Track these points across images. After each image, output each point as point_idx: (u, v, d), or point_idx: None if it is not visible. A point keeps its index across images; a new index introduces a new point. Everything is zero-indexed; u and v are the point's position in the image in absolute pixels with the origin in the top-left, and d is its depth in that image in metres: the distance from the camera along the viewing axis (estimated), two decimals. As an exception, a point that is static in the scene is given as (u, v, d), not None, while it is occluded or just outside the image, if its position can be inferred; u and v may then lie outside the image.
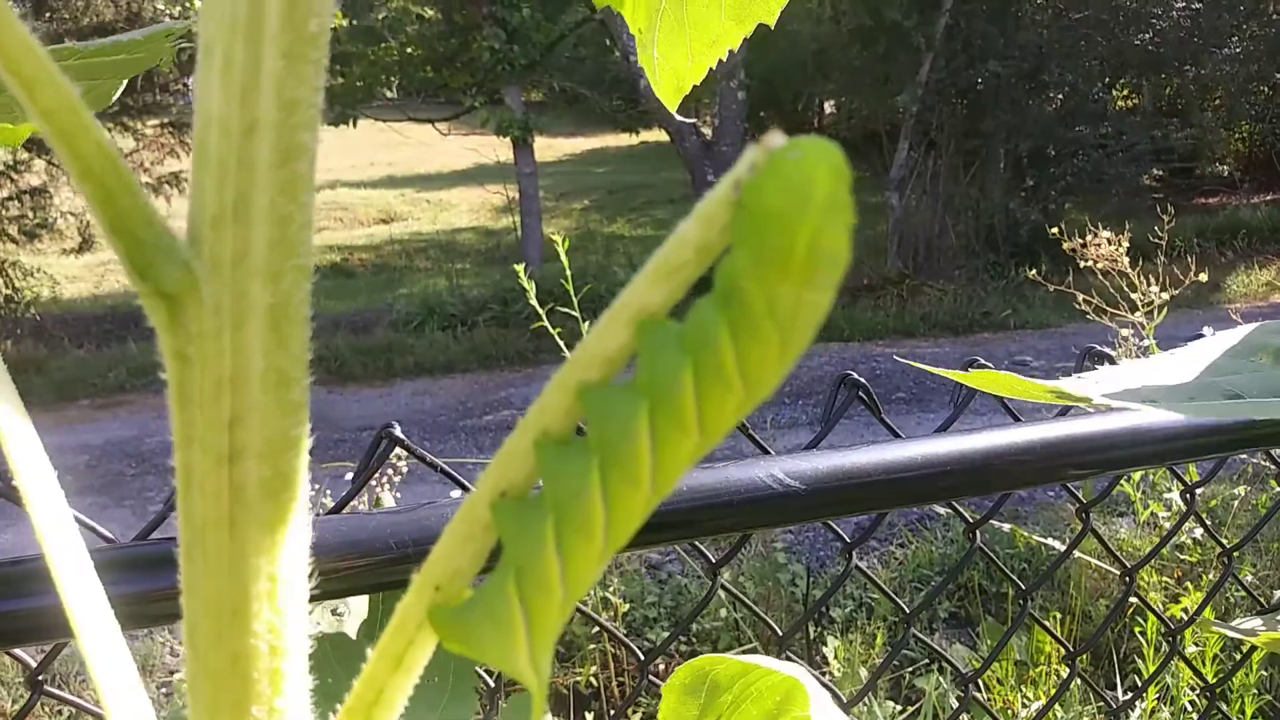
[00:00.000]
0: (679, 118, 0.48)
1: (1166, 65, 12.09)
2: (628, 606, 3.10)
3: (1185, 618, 2.57)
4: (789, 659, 0.86)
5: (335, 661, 0.47)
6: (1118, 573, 3.04)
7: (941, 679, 2.69)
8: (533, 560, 0.20)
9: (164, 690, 2.92)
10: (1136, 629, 2.57)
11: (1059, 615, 3.11)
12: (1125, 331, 3.20)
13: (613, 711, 2.74)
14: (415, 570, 0.58)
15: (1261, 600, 1.23)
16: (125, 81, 0.47)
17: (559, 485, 0.20)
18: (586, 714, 2.69)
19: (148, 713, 0.26)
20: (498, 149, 10.48)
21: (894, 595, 0.94)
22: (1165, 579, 3.03)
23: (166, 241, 0.22)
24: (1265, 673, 2.59)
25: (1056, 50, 10.49)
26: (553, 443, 0.21)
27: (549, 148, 17.17)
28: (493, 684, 0.68)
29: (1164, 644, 2.71)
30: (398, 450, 0.67)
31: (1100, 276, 3.32)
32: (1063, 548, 3.19)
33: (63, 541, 0.27)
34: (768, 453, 0.69)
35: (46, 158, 8.60)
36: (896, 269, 9.98)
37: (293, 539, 0.24)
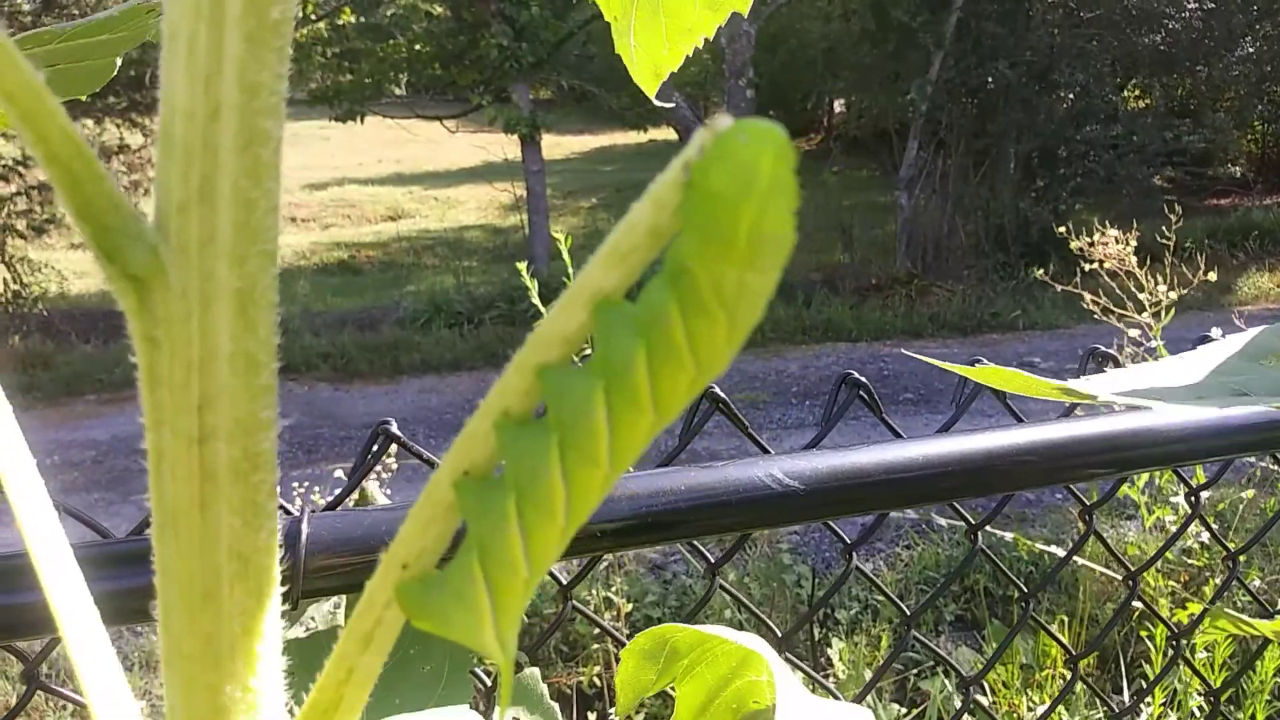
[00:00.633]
0: (658, 102, 0.49)
1: (1178, 66, 12.04)
2: (631, 606, 3.10)
3: (1190, 622, 2.56)
4: (789, 660, 0.85)
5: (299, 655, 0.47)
6: (1119, 577, 3.04)
7: (947, 682, 2.68)
8: (496, 538, 0.21)
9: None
10: (1144, 633, 2.56)
11: (1065, 619, 3.10)
12: (1133, 332, 3.19)
13: (613, 710, 2.75)
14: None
15: (1267, 605, 1.22)
16: (119, 59, 0.47)
17: (520, 464, 0.20)
18: (589, 714, 2.69)
19: (132, 707, 0.27)
20: (505, 147, 10.50)
21: (897, 597, 0.94)
22: (1173, 584, 3.02)
23: (133, 225, 0.23)
24: (1276, 679, 2.58)
25: (1067, 50, 10.45)
26: (513, 423, 0.21)
27: (557, 145, 17.18)
28: (489, 684, 0.68)
29: (1170, 648, 2.70)
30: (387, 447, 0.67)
31: (1108, 277, 3.31)
32: (1063, 552, 3.18)
33: (44, 535, 0.28)
34: (767, 452, 0.69)
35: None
36: (905, 269, 9.95)
37: (264, 519, 0.24)
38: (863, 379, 0.79)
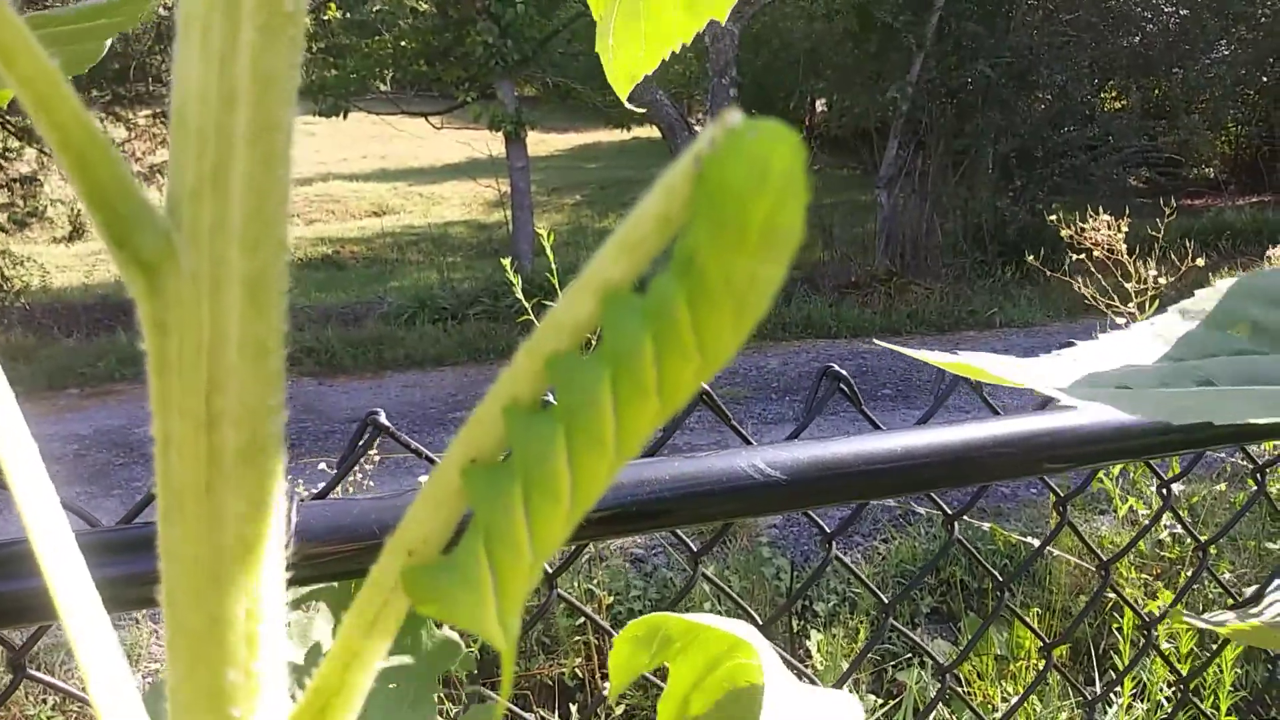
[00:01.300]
0: (629, 105, 0.49)
1: (1155, 68, 12.16)
2: (612, 599, 3.11)
3: (1162, 612, 2.60)
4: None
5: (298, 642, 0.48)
6: (1094, 568, 3.07)
7: (923, 673, 2.71)
8: (502, 523, 0.21)
9: (149, 680, 2.91)
10: (1114, 625, 2.59)
11: (1039, 611, 3.14)
12: (1120, 320, 3.23)
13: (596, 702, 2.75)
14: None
15: (1237, 597, 1.24)
16: (109, 43, 0.47)
17: (527, 450, 0.21)
18: (571, 705, 2.70)
19: (132, 695, 0.27)
20: (490, 143, 10.47)
21: (875, 588, 0.95)
22: (1144, 576, 3.06)
23: (145, 211, 0.23)
24: (1239, 670, 2.62)
25: (1046, 51, 10.53)
26: (521, 410, 0.21)
27: (541, 142, 17.15)
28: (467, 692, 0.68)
29: (1140, 639, 2.74)
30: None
31: (1093, 270, 3.35)
32: (1038, 543, 3.22)
33: (47, 522, 0.28)
34: (750, 444, 0.70)
35: (37, 146, 8.54)
36: (884, 267, 10.01)
37: (270, 504, 0.24)
38: (843, 372, 0.80)
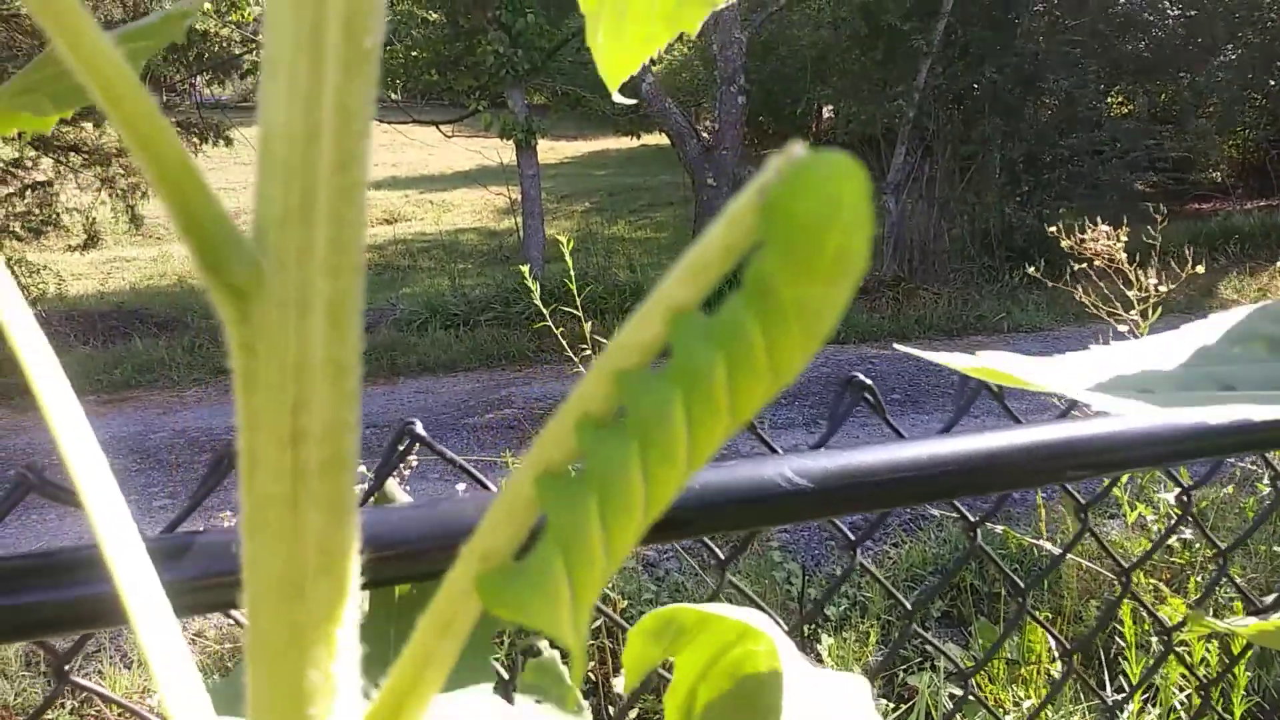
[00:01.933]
0: (618, 98, 0.51)
1: (1161, 72, 12.15)
2: (626, 603, 3.12)
3: (1172, 618, 2.60)
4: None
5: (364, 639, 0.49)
6: (1109, 573, 3.07)
7: (934, 677, 2.71)
8: (578, 532, 0.22)
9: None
10: (1128, 629, 2.59)
11: (1050, 616, 3.14)
12: (1122, 328, 3.23)
13: (611, 707, 2.76)
14: (434, 564, 0.59)
15: (1257, 602, 1.25)
16: (143, 64, 0.49)
17: (602, 463, 0.22)
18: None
19: (204, 699, 0.28)
20: (501, 151, 10.51)
21: (885, 595, 0.96)
22: (1154, 580, 3.06)
23: (236, 239, 0.24)
24: (1250, 674, 2.62)
25: (1053, 57, 10.53)
26: (593, 424, 0.23)
27: (551, 150, 17.22)
28: (507, 676, 0.70)
29: (1154, 644, 2.74)
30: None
31: (1097, 278, 3.36)
32: (1054, 548, 3.22)
33: (118, 531, 0.29)
34: (776, 452, 0.71)
35: (53, 155, 8.59)
36: (892, 272, 10.01)
37: (348, 516, 0.26)
38: (868, 381, 0.81)
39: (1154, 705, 2.48)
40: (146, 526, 4.45)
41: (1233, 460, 3.41)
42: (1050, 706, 2.53)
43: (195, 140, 9.37)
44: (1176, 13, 11.54)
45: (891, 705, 2.67)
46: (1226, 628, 0.75)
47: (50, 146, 8.37)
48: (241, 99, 13.98)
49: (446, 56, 10.36)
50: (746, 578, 3.42)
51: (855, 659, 2.90)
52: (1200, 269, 3.37)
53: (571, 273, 2.31)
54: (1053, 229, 3.79)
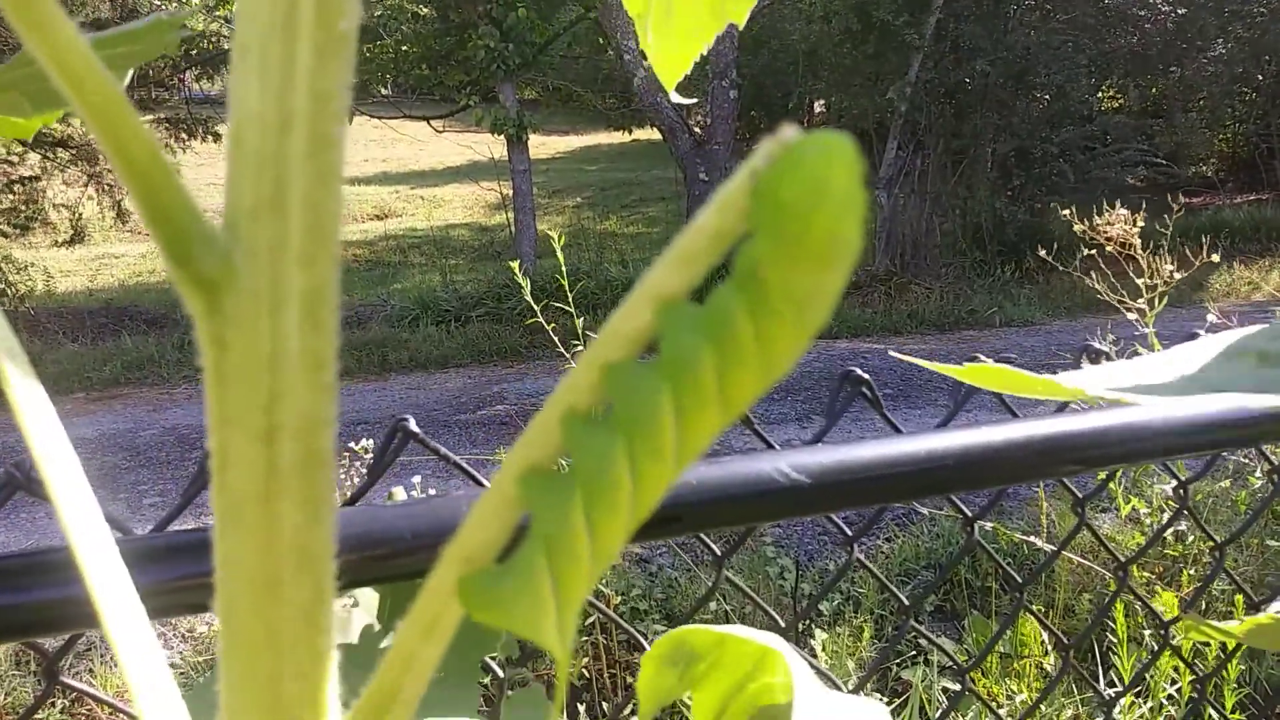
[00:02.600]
0: (676, 97, 0.50)
1: (1152, 67, 12.18)
2: (619, 599, 3.12)
3: (1166, 612, 2.60)
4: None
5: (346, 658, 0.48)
6: (1101, 568, 3.08)
7: (928, 670, 2.72)
8: (562, 531, 0.21)
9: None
10: (1120, 623, 2.60)
11: (1042, 609, 3.14)
12: (1131, 316, 3.23)
13: (605, 704, 2.76)
14: (428, 561, 0.58)
15: (1251, 594, 1.25)
16: (131, 72, 0.48)
17: (587, 459, 0.21)
18: (579, 705, 2.70)
19: (177, 701, 0.27)
20: (492, 146, 10.50)
21: (878, 589, 0.96)
22: (1147, 574, 3.07)
23: (206, 231, 0.23)
24: (1243, 667, 2.63)
25: (1044, 51, 10.54)
26: (579, 419, 0.22)
27: (542, 145, 17.19)
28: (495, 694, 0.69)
29: (1148, 638, 2.75)
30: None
31: (1103, 265, 3.36)
32: (1045, 544, 3.22)
33: (89, 532, 0.28)
34: (772, 448, 0.71)
35: (40, 150, 8.53)
36: (884, 267, 10.02)
37: (325, 514, 0.25)
38: (865, 376, 0.81)
39: (1143, 699, 2.49)
40: (136, 525, 4.43)
41: (1226, 454, 3.42)
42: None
43: (184, 135, 9.33)
44: (1167, 7, 11.57)
45: (885, 700, 2.67)
46: (1219, 631, 0.75)
47: (37, 141, 8.32)
48: (231, 95, 13.91)
49: (437, 51, 10.33)
50: (740, 573, 3.42)
51: (849, 654, 2.90)
52: (1215, 257, 3.38)
53: (563, 268, 2.30)
54: (1065, 213, 3.78)
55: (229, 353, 0.24)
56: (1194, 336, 0.90)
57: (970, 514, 0.89)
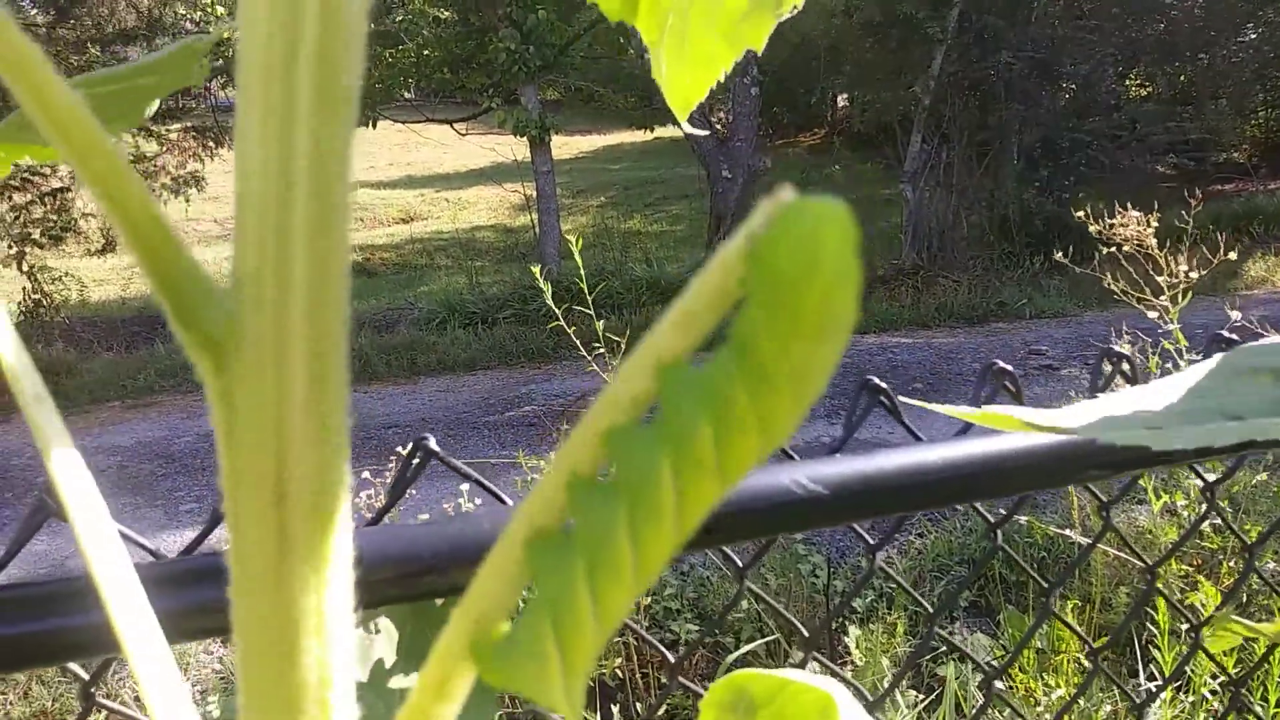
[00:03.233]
0: (687, 128, 0.50)
1: (1180, 54, 11.99)
2: (650, 599, 3.12)
3: (1202, 608, 2.57)
4: (815, 659, 0.86)
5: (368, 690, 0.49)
6: (1138, 560, 3.04)
7: (962, 667, 2.70)
8: (566, 599, 0.21)
9: (196, 688, 2.97)
10: (1161, 616, 2.56)
11: (1079, 603, 3.11)
12: (1152, 315, 3.19)
13: (638, 704, 2.76)
14: (446, 580, 0.58)
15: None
16: (156, 102, 0.48)
17: (590, 526, 0.21)
18: (613, 706, 2.71)
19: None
20: (515, 148, 10.53)
21: (911, 585, 0.95)
22: (1185, 567, 3.02)
23: (210, 291, 0.23)
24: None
25: (1069, 41, 10.41)
26: (583, 484, 0.22)
27: (565, 145, 17.24)
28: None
29: (1184, 635, 2.71)
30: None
31: (1125, 262, 3.32)
32: (1079, 537, 3.18)
33: (107, 559, 0.28)
34: (791, 459, 0.70)
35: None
36: (911, 260, 9.95)
37: (338, 574, 0.25)
38: (883, 385, 0.80)
39: (1186, 693, 2.45)
40: (173, 531, 4.49)
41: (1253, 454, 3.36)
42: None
43: (211, 144, 9.43)
44: (1195, -9, 11.39)
45: (920, 696, 2.66)
46: (1252, 631, 0.74)
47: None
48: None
49: (459, 54, 10.38)
50: (772, 571, 3.41)
51: (883, 650, 2.88)
52: (1233, 255, 3.32)
53: (582, 272, 2.31)
54: (1080, 213, 3.74)
55: (236, 414, 0.24)
56: (1217, 339, 0.88)
57: (993, 520, 0.88)
